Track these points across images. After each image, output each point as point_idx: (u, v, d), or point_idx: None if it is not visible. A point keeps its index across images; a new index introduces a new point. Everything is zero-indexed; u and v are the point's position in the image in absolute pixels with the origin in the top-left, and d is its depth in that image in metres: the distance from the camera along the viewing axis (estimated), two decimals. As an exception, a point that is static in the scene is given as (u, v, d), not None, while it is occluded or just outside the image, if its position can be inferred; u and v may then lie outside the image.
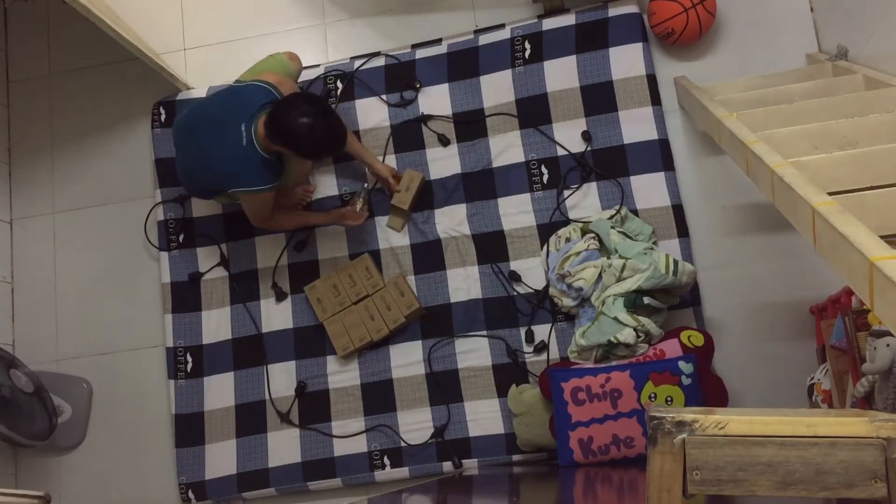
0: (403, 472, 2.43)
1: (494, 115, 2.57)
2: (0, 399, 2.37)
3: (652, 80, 2.49)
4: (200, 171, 2.34)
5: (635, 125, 2.47)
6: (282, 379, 2.55)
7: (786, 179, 1.41)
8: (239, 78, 2.38)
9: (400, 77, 2.64)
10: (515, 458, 2.37)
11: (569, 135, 2.51)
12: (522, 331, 2.44)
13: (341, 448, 2.47)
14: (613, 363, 2.12)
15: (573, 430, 2.07)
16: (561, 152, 2.51)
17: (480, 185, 2.55)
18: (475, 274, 2.49)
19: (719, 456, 0.94)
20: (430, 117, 2.61)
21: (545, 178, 2.51)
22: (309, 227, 2.60)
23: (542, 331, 2.42)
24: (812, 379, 2.05)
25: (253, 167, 2.21)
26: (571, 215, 2.47)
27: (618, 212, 2.38)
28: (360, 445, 2.46)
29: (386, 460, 2.44)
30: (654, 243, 2.36)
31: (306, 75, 2.69)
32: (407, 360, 2.48)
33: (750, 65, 2.50)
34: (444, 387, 2.45)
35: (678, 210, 2.41)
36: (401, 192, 2.52)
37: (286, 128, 2.12)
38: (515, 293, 2.46)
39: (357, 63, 2.68)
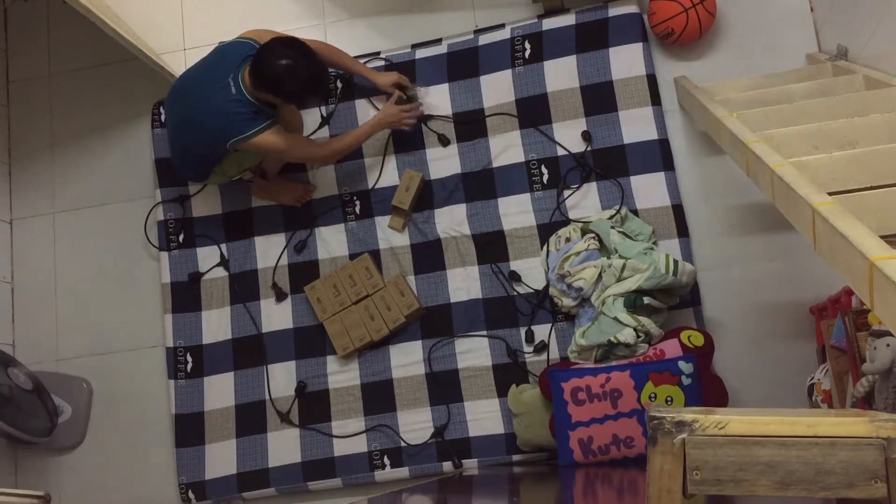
0: (403, 472, 2.43)
1: (494, 115, 2.57)
2: (0, 398, 2.37)
3: (652, 80, 2.49)
4: (193, 135, 2.31)
5: (635, 125, 2.47)
6: (282, 379, 2.55)
7: (786, 179, 1.41)
8: None
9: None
10: (515, 458, 2.37)
11: (569, 135, 2.51)
12: (522, 331, 2.43)
13: (341, 448, 2.47)
14: (613, 363, 2.12)
15: (573, 430, 2.08)
16: (561, 152, 2.51)
17: (480, 185, 2.55)
18: (475, 274, 2.49)
19: (719, 456, 0.94)
20: (430, 117, 2.61)
21: (545, 178, 2.51)
22: (361, 141, 2.48)
23: (542, 331, 2.42)
24: (812, 379, 2.05)
25: (246, 114, 2.19)
26: (571, 215, 2.47)
27: (618, 212, 2.38)
28: (360, 445, 2.46)
29: (386, 460, 2.44)
30: (654, 243, 2.36)
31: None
32: (407, 360, 2.48)
33: (750, 65, 2.50)
34: (444, 387, 2.45)
35: (678, 210, 2.41)
36: (401, 193, 2.52)
37: (268, 71, 2.12)
38: (515, 293, 2.46)
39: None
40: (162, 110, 2.75)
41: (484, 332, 2.46)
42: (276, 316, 2.59)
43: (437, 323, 2.49)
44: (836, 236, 1.18)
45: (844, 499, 0.92)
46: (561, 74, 2.54)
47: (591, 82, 2.52)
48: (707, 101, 2.08)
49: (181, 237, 2.69)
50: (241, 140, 2.22)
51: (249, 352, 2.58)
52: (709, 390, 2.08)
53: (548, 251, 2.44)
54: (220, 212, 2.69)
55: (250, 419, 2.54)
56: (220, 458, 2.53)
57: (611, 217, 2.37)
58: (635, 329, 2.12)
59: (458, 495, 2.03)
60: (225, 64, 2.23)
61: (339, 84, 2.68)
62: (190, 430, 2.56)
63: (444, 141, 2.59)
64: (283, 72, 2.12)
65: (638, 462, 2.04)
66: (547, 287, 2.42)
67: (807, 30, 2.49)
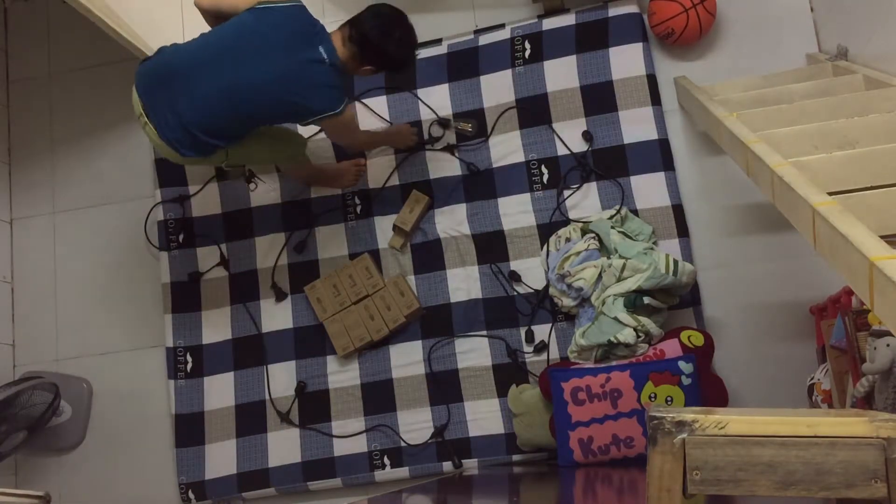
0: (403, 472, 2.43)
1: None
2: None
3: (652, 80, 2.49)
4: (239, 106, 2.03)
5: (635, 125, 2.47)
6: (282, 379, 2.55)
7: (786, 179, 1.41)
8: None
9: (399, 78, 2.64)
10: (515, 458, 2.37)
11: (569, 135, 2.51)
12: (522, 331, 2.43)
13: (341, 448, 2.47)
14: (613, 363, 2.12)
15: (573, 430, 2.08)
16: (561, 152, 2.51)
17: (480, 185, 2.55)
18: (475, 274, 2.49)
19: (719, 456, 0.94)
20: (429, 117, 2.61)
21: (545, 178, 2.51)
22: (375, 145, 2.58)
23: (542, 331, 2.42)
24: (812, 379, 2.05)
25: (339, 87, 2.05)
26: (571, 215, 2.47)
27: (618, 212, 2.38)
28: (360, 445, 2.46)
29: (386, 460, 2.44)
30: (654, 243, 2.36)
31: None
32: (407, 360, 2.48)
33: (750, 65, 2.50)
34: (444, 387, 2.45)
35: (678, 210, 2.41)
36: (404, 213, 2.52)
37: (383, 41, 2.02)
38: (515, 293, 2.46)
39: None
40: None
41: (484, 332, 2.46)
42: (276, 316, 2.59)
43: (437, 323, 2.49)
44: (836, 236, 1.18)
45: (844, 499, 0.93)
46: (561, 74, 2.54)
47: (592, 82, 2.52)
48: (707, 101, 2.08)
49: (181, 237, 2.69)
50: (329, 116, 2.03)
51: (249, 352, 2.58)
52: (709, 390, 2.09)
53: (548, 251, 2.44)
54: (219, 212, 2.69)
55: (250, 419, 2.54)
56: (220, 458, 2.53)
57: (611, 217, 2.37)
58: (635, 329, 2.12)
59: (458, 495, 2.03)
60: (303, 30, 2.02)
61: (339, 84, 2.68)
62: (190, 430, 2.56)
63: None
64: (398, 41, 2.04)
65: (638, 462, 2.04)
66: (547, 287, 2.42)
67: (807, 30, 2.49)
